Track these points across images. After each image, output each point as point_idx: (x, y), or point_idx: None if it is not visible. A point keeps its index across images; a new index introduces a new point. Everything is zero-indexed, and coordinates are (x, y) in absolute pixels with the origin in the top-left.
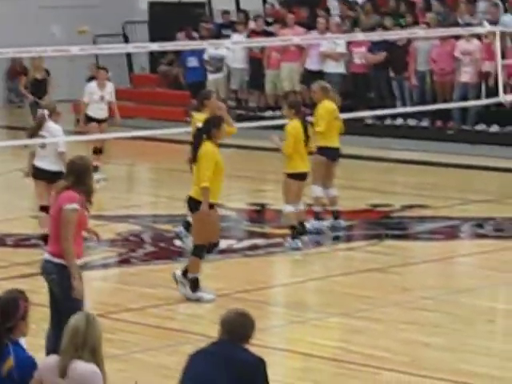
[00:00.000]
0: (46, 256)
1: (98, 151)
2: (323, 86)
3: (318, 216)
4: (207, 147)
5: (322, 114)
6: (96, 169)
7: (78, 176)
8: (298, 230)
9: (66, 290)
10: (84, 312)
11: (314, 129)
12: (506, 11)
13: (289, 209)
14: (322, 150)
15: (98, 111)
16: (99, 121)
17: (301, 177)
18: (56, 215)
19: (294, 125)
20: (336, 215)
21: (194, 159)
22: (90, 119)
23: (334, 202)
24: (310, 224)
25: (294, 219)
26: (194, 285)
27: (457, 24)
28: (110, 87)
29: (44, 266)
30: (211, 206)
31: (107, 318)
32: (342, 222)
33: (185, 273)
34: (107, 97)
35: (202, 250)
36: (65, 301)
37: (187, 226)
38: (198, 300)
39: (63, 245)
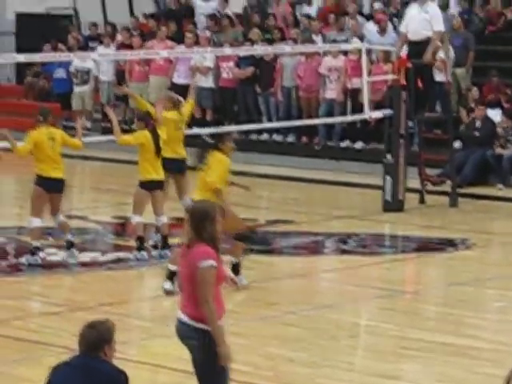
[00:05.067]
0: (182, 317)
1: None
2: (169, 97)
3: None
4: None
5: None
6: None
7: (198, 224)
8: (158, 243)
9: (210, 357)
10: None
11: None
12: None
13: (137, 219)
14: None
15: None
16: None
17: (151, 185)
18: (189, 274)
19: (144, 133)
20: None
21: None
22: None
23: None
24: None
25: (141, 230)
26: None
27: (312, 41)
28: None
29: (180, 328)
30: None
31: None
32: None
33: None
34: None
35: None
36: (208, 367)
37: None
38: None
39: (204, 309)
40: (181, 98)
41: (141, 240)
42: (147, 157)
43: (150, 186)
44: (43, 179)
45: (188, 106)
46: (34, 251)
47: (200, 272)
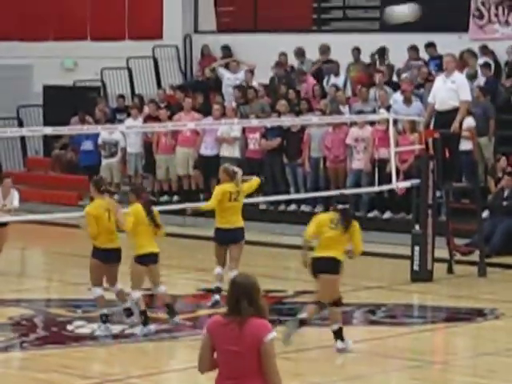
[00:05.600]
0: None
1: None
2: (225, 168)
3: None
4: None
5: (216, 194)
6: None
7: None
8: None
9: None
10: None
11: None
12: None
13: (136, 295)
14: (215, 232)
15: None
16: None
17: (144, 259)
18: (253, 351)
19: (134, 207)
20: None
21: None
22: None
23: (222, 282)
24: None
25: (143, 304)
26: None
27: (339, 112)
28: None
29: None
30: None
31: None
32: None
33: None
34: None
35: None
36: None
37: None
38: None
39: (276, 380)
40: (237, 169)
41: (144, 314)
42: (140, 230)
43: (145, 259)
44: (100, 251)
45: (253, 182)
46: (104, 319)
47: (268, 347)
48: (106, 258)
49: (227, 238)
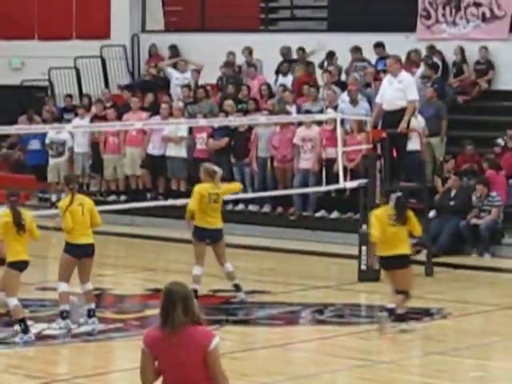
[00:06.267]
0: None
1: None
2: (205, 168)
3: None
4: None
5: (196, 192)
6: None
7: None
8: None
9: None
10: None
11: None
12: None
13: (13, 302)
14: (197, 231)
15: None
16: None
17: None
18: (198, 361)
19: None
20: (237, 288)
21: None
22: None
23: (232, 276)
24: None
25: (21, 312)
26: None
27: (286, 112)
28: None
29: None
30: None
31: None
32: (243, 295)
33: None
34: None
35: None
36: None
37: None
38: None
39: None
40: (217, 169)
41: (24, 322)
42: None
43: (20, 265)
44: (72, 246)
45: (234, 186)
46: (64, 316)
47: (215, 354)
48: (79, 253)
49: (206, 236)
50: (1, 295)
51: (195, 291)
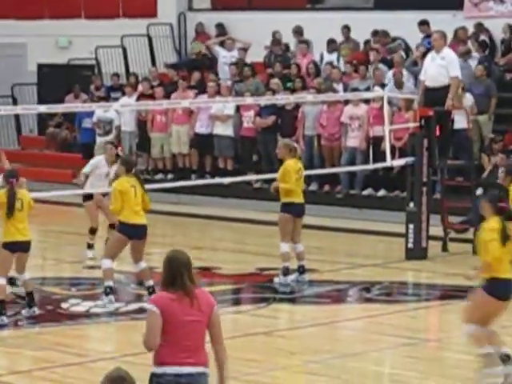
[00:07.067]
0: (201, 370)
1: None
2: (286, 144)
3: (285, 272)
4: None
5: (289, 171)
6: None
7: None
8: None
9: None
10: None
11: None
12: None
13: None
14: (287, 207)
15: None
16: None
17: (131, 229)
18: (205, 321)
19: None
20: (302, 270)
21: None
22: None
23: (301, 257)
24: (278, 279)
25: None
26: None
27: (333, 90)
28: None
29: (203, 381)
30: None
31: None
32: (306, 277)
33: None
34: None
35: None
36: None
37: None
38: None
39: (224, 347)
40: (295, 145)
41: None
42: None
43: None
44: (126, 226)
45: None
46: (107, 292)
47: (217, 313)
48: (132, 233)
49: (295, 211)
50: (26, 276)
51: (287, 269)
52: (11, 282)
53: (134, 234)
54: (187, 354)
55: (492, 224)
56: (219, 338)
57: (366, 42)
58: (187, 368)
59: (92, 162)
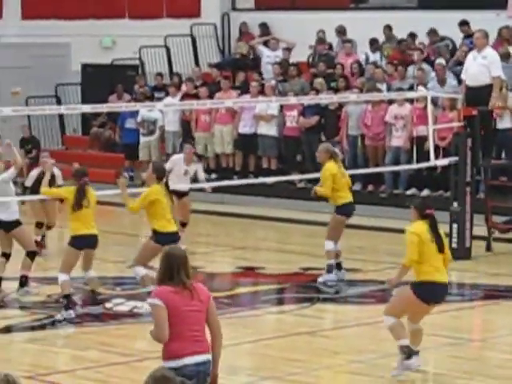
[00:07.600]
0: (207, 357)
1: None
2: (326, 148)
3: (330, 269)
4: None
5: (326, 176)
6: None
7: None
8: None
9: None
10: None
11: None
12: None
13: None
14: (340, 209)
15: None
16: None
17: (167, 237)
18: (205, 311)
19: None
20: (340, 267)
21: None
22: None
23: (340, 254)
24: (322, 278)
25: (68, 288)
26: None
27: (377, 89)
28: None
29: (208, 368)
30: None
31: (37, 380)
32: (344, 273)
33: None
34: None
35: None
36: None
37: None
38: None
39: (220, 330)
40: (336, 150)
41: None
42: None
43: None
44: (161, 234)
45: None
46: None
47: (213, 303)
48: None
49: (349, 212)
50: (91, 273)
51: (330, 266)
52: (21, 281)
53: (168, 241)
54: (199, 343)
55: None
56: (218, 325)
57: (409, 42)
58: (201, 356)
59: (173, 158)
